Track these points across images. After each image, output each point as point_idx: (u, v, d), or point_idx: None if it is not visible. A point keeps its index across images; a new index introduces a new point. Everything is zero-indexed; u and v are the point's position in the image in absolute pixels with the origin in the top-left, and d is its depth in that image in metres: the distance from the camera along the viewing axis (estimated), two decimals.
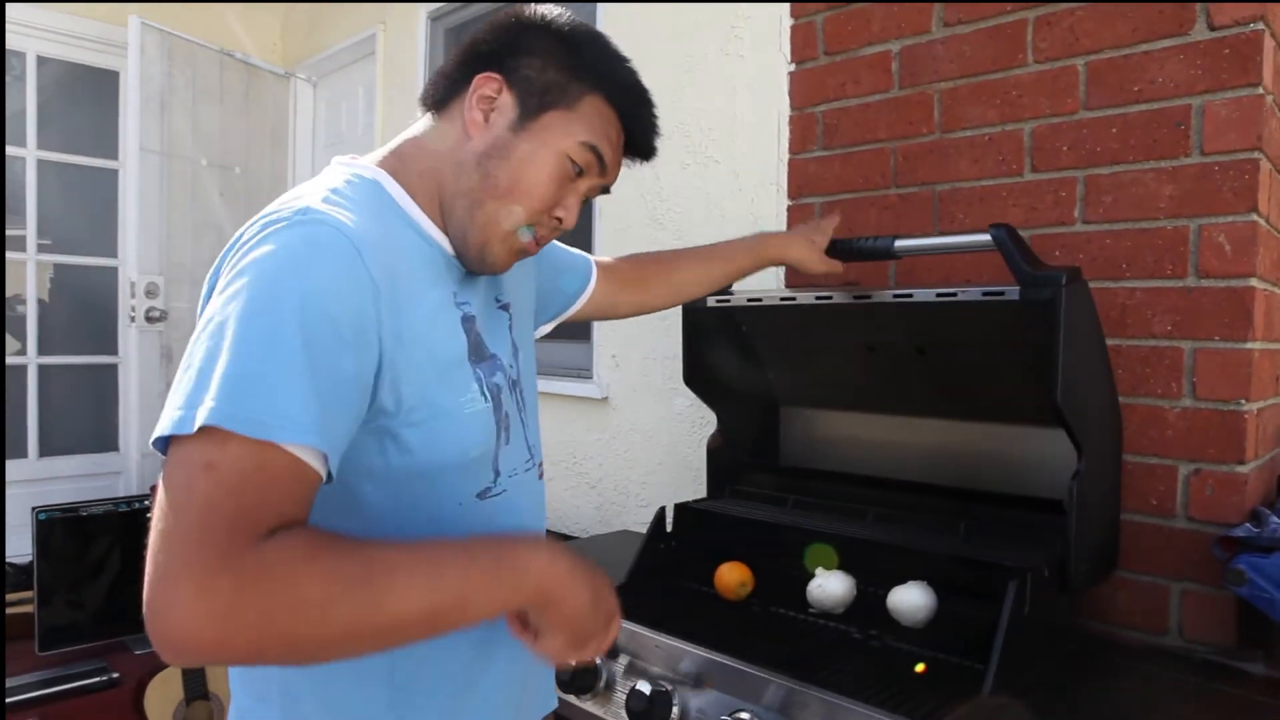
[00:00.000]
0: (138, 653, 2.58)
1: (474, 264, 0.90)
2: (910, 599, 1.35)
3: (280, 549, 0.65)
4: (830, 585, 1.41)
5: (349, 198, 0.82)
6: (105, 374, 3.75)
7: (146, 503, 2.48)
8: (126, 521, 2.59)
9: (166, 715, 2.35)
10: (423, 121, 0.93)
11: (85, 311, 3.74)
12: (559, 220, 0.91)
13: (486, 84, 0.86)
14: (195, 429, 0.65)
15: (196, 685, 2.36)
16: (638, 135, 0.93)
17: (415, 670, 0.87)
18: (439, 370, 0.83)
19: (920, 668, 1.19)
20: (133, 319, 3.41)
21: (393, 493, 0.82)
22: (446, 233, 0.90)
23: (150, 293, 3.43)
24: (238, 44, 3.87)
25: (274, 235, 0.74)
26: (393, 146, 0.93)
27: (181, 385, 0.69)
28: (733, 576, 1.49)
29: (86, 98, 3.71)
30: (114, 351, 3.75)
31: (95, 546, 2.56)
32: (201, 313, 0.76)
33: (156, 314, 3.44)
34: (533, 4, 0.91)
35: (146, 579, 0.63)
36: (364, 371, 0.75)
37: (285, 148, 4.00)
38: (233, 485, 0.65)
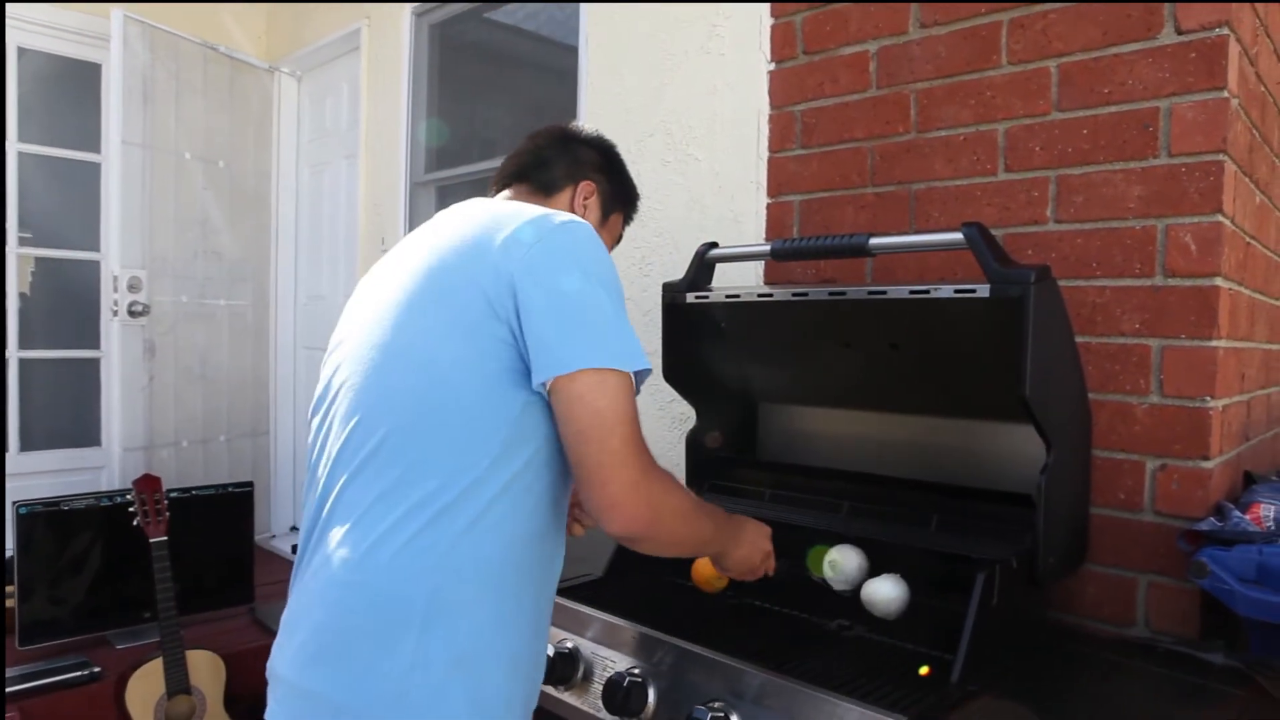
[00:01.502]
0: (119, 647, 2.58)
1: None
2: (883, 591, 1.37)
3: (663, 471, 1.02)
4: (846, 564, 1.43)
5: None
6: (87, 368, 3.74)
7: (128, 497, 2.48)
8: (108, 516, 2.59)
9: (148, 710, 2.35)
10: (527, 195, 1.26)
11: (67, 305, 3.72)
12: None
13: (587, 188, 1.30)
14: (633, 369, 0.98)
15: (178, 680, 2.36)
16: (627, 225, 1.45)
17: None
18: None
19: (924, 670, 1.19)
20: (115, 313, 3.39)
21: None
22: None
23: (133, 287, 3.41)
24: (222, 37, 3.85)
25: (579, 225, 1.05)
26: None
27: (599, 328, 0.98)
28: (710, 569, 1.51)
29: (68, 90, 3.68)
30: (96, 345, 3.73)
31: (76, 541, 2.56)
32: (503, 271, 0.99)
33: (139, 308, 3.42)
34: (587, 130, 1.36)
35: (603, 480, 0.95)
36: None
37: (269, 142, 3.99)
38: (637, 418, 0.99)
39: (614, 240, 1.39)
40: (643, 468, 0.97)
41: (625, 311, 1.03)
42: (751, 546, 1.25)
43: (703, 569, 1.52)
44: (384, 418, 1.01)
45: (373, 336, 1.06)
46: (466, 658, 0.98)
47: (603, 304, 0.99)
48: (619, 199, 1.37)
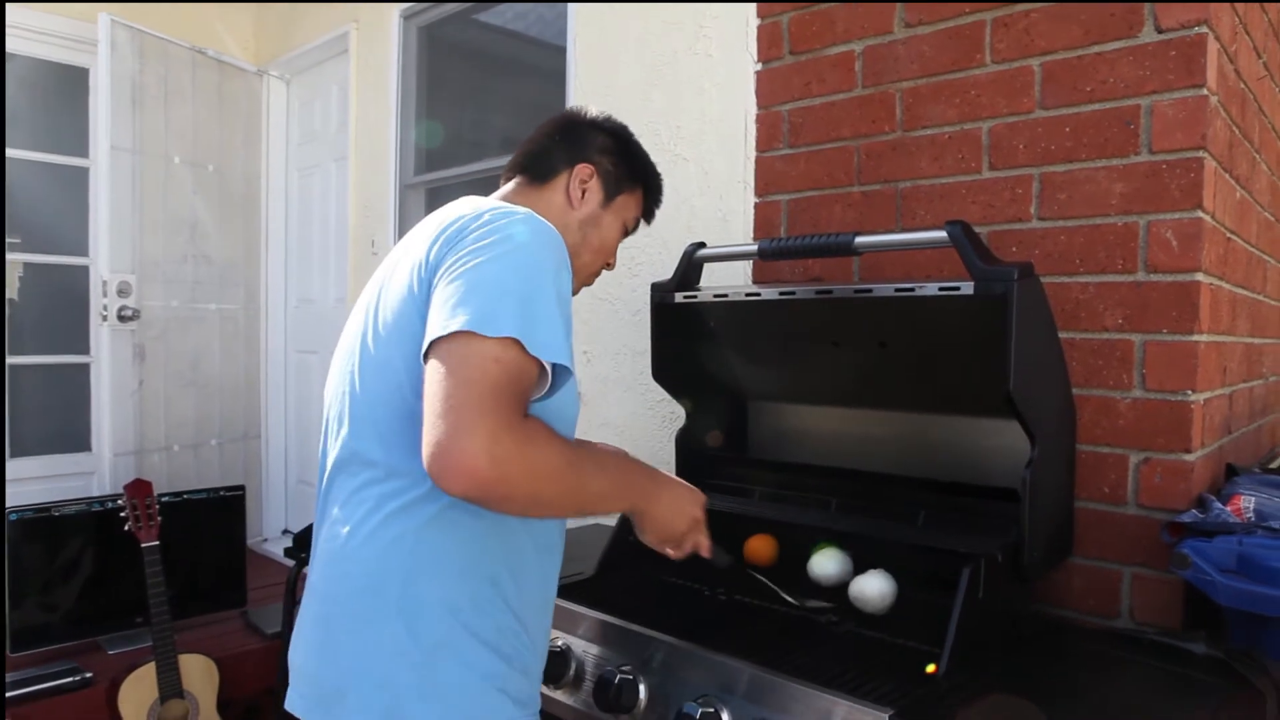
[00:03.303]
0: (111, 653, 2.58)
1: None
2: (871, 587, 1.38)
3: (536, 426, 0.93)
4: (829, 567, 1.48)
5: None
6: (77, 373, 3.72)
7: (119, 502, 2.48)
8: (99, 521, 2.58)
9: (141, 714, 2.35)
10: (523, 186, 1.26)
11: (56, 310, 3.71)
12: (609, 266, 1.35)
13: (584, 171, 1.27)
14: (497, 334, 0.90)
15: (171, 684, 2.36)
16: (652, 210, 1.39)
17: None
18: None
19: (931, 668, 1.18)
20: (104, 318, 3.38)
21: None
22: None
23: (122, 291, 3.41)
24: (211, 41, 3.85)
25: (519, 220, 1.01)
26: (502, 199, 1.22)
27: (474, 298, 0.93)
28: (761, 547, 1.57)
29: (55, 95, 3.67)
30: (85, 351, 3.72)
31: (67, 547, 2.55)
32: (429, 263, 1.00)
33: (129, 313, 3.42)
34: (594, 112, 1.32)
35: (439, 431, 0.87)
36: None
37: (259, 145, 3.99)
38: (512, 376, 0.91)
39: (631, 222, 1.34)
40: (483, 417, 0.87)
41: (538, 294, 0.96)
42: (672, 510, 1.14)
43: (757, 549, 1.56)
44: (357, 422, 1.06)
45: (354, 343, 1.11)
46: (447, 643, 1.01)
47: (485, 279, 0.94)
48: (630, 177, 1.32)
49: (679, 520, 1.15)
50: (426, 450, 0.88)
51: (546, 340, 0.94)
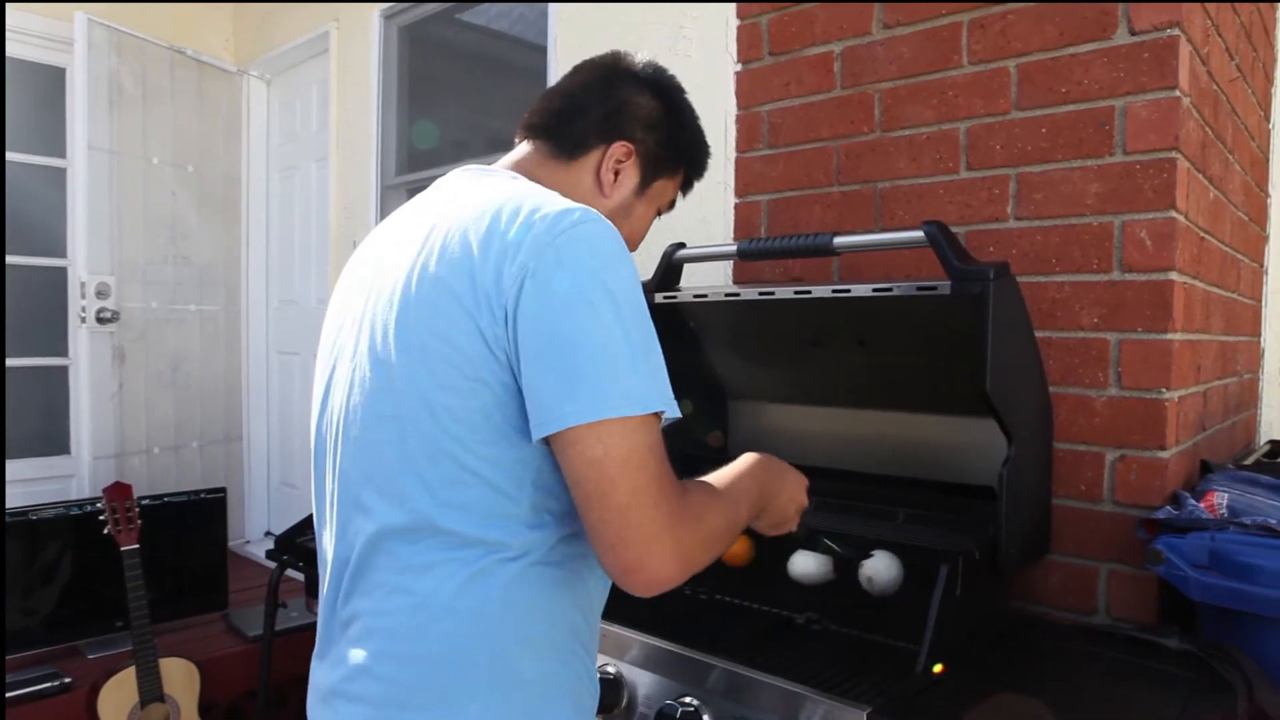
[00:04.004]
0: (91, 657, 2.55)
1: None
2: (881, 569, 1.36)
3: (693, 497, 0.90)
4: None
5: None
6: (55, 376, 3.69)
7: (98, 505, 2.46)
8: (78, 525, 2.56)
9: (121, 719, 2.33)
10: (543, 158, 1.08)
11: (34, 312, 3.67)
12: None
13: (620, 150, 1.07)
14: (645, 412, 0.83)
15: (151, 688, 2.34)
16: (692, 183, 1.20)
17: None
18: None
19: (938, 668, 1.17)
20: (83, 320, 3.35)
21: None
22: None
23: (101, 293, 3.38)
24: (190, 40, 3.82)
25: (600, 230, 0.88)
26: (514, 168, 1.07)
27: (603, 365, 0.83)
28: (739, 549, 1.54)
29: (33, 95, 3.64)
30: (64, 353, 3.69)
31: (46, 551, 2.53)
32: (481, 271, 0.86)
33: (108, 315, 3.39)
34: (640, 64, 1.11)
35: (623, 539, 0.82)
36: None
37: (239, 145, 3.96)
38: (663, 456, 0.85)
39: (666, 205, 1.17)
40: (662, 519, 0.83)
41: (643, 331, 0.87)
42: (788, 500, 1.12)
43: (733, 550, 1.54)
44: (404, 488, 0.90)
45: (370, 374, 0.93)
46: (539, 710, 0.92)
47: (606, 335, 0.84)
48: (672, 158, 1.12)
49: (790, 508, 1.14)
50: (615, 566, 0.84)
51: (671, 393, 0.87)
